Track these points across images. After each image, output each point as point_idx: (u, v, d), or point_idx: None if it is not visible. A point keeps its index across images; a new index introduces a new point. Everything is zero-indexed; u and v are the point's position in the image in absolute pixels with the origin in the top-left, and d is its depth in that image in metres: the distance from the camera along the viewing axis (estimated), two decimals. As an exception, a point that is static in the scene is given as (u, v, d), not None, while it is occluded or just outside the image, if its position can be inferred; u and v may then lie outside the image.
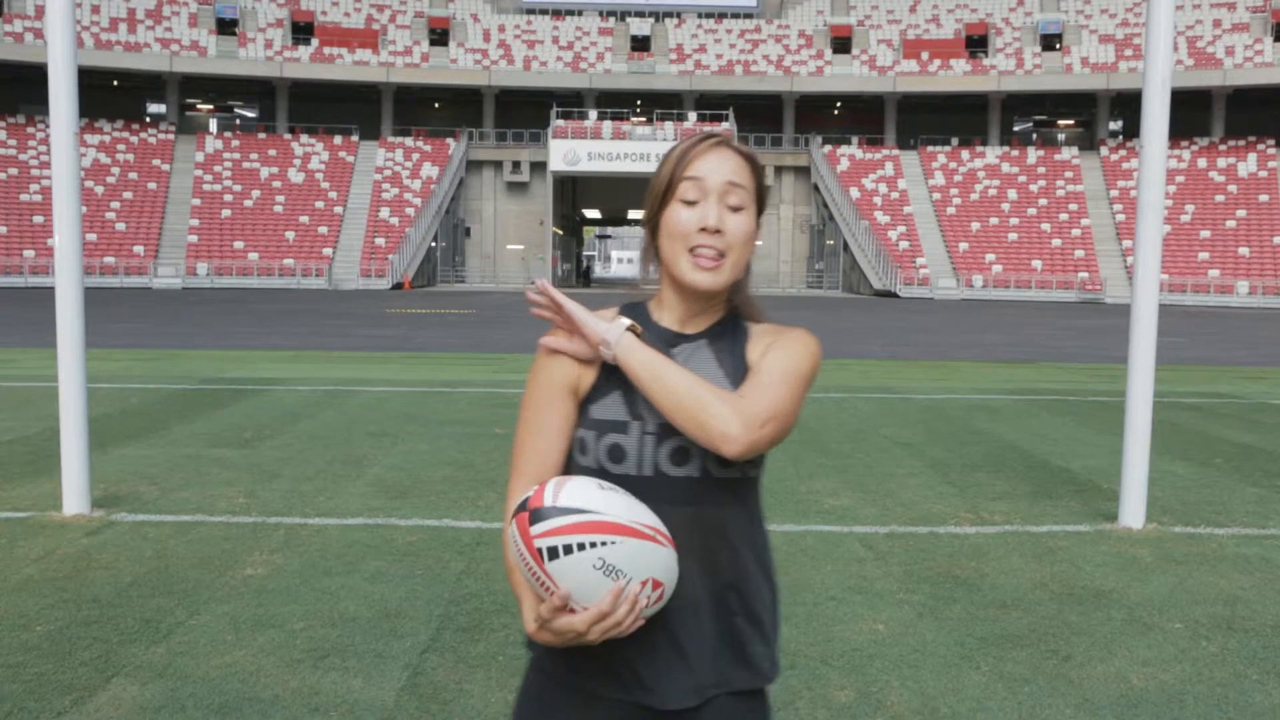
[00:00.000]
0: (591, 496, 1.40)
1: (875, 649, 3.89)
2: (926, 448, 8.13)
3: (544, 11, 58.23)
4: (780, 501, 6.20)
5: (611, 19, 57.79)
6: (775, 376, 1.54)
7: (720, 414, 1.46)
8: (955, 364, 15.50)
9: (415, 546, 5.12)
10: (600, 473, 1.53)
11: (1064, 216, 49.00)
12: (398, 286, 43.97)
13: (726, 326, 1.65)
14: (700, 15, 58.45)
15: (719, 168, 1.58)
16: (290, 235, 46.21)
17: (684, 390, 1.48)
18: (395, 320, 24.04)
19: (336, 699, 3.38)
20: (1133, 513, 5.78)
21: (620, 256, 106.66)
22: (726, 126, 49.66)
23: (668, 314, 1.64)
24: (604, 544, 1.36)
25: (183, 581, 4.53)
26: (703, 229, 1.55)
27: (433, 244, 48.84)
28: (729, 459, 1.48)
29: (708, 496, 1.54)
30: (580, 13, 58.35)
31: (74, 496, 5.63)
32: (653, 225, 1.62)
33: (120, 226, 44.93)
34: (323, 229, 46.85)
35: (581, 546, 1.36)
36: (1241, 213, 47.60)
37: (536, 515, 1.39)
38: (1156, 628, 4.18)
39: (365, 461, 7.19)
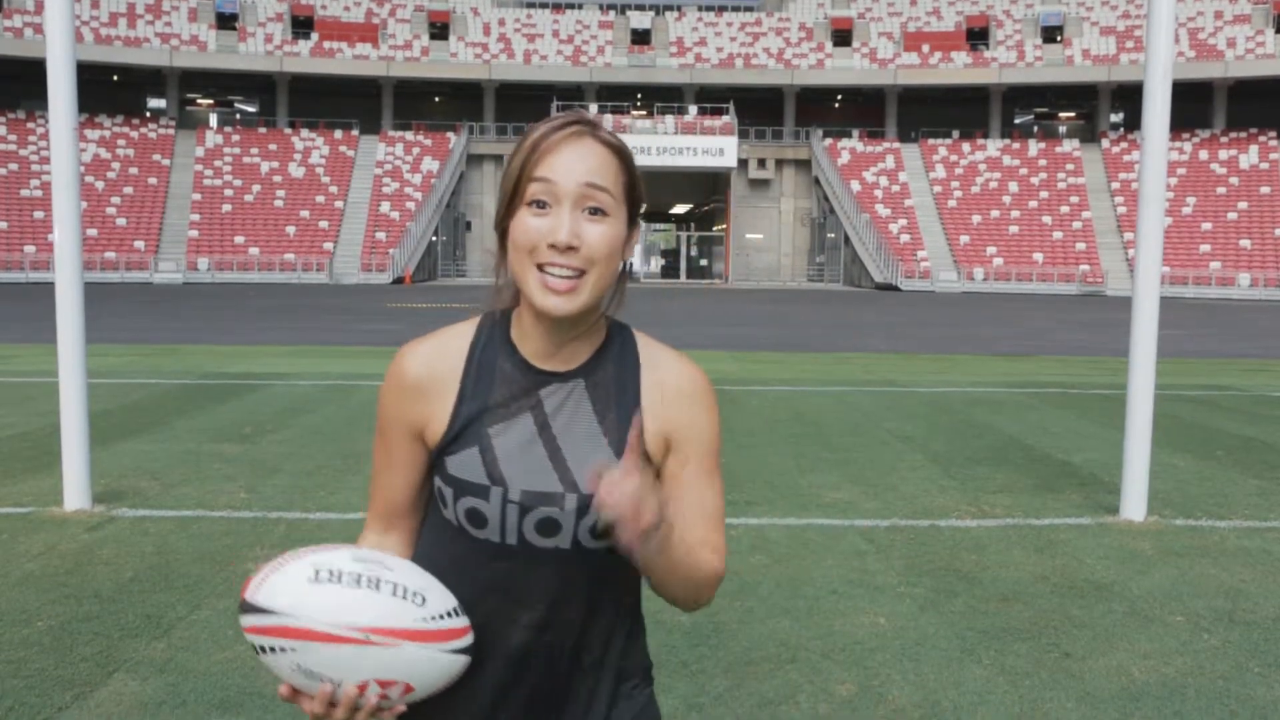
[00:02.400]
0: (289, 596, 1.23)
1: (876, 642, 3.89)
2: (928, 441, 8.13)
3: (544, 5, 58.15)
4: (781, 495, 6.20)
5: (612, 12, 57.69)
6: (719, 496, 1.39)
7: (707, 593, 1.37)
8: (956, 357, 15.49)
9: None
10: (460, 531, 1.36)
11: (1065, 209, 48.94)
12: (399, 281, 43.95)
13: (607, 354, 1.39)
14: (701, 8, 58.34)
15: (575, 165, 1.29)
16: (291, 230, 46.19)
17: (686, 574, 1.33)
18: (396, 315, 24.04)
19: (337, 694, 3.38)
20: (1134, 505, 5.78)
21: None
22: (727, 120, 49.67)
23: (530, 342, 1.37)
24: (294, 650, 1.23)
25: (184, 577, 4.53)
26: (551, 245, 1.27)
27: (434, 238, 48.81)
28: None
29: (579, 562, 1.35)
30: (580, 6, 58.26)
31: (75, 492, 5.63)
32: (502, 230, 1.34)
33: (121, 222, 44.92)
34: (323, 223, 46.82)
35: (272, 649, 1.24)
36: (1243, 205, 47.54)
37: (241, 606, 1.26)
38: (1158, 620, 4.18)
39: (365, 456, 7.18)
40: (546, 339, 1.36)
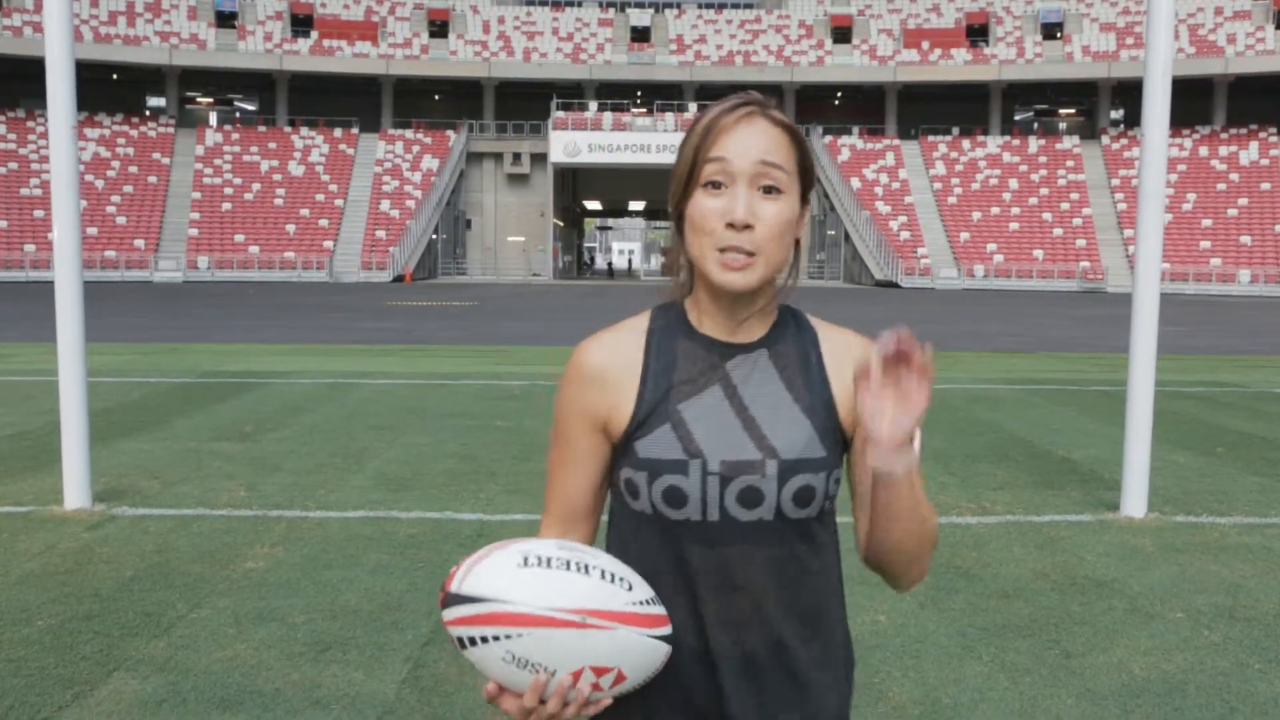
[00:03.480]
0: (501, 581, 1.21)
1: (877, 639, 3.89)
2: (928, 438, 8.12)
3: (544, 3, 58.13)
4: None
5: (611, 10, 57.67)
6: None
7: (927, 559, 1.39)
8: (957, 354, 15.48)
9: (416, 539, 5.12)
10: (656, 519, 1.33)
11: (1065, 206, 48.94)
12: (399, 279, 43.95)
13: (785, 329, 1.41)
14: (700, 6, 58.32)
15: (749, 144, 1.30)
16: (291, 228, 46.19)
17: (920, 528, 1.35)
18: (396, 313, 24.03)
19: (338, 692, 3.38)
20: (1134, 502, 5.77)
21: (621, 249, 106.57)
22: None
23: (709, 321, 1.38)
24: (508, 637, 1.20)
25: (184, 575, 4.53)
26: (729, 225, 1.29)
27: (433, 236, 48.81)
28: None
29: (782, 538, 1.33)
30: (580, 4, 58.24)
31: (75, 491, 5.63)
32: (678, 214, 1.36)
33: (121, 220, 44.92)
34: (323, 222, 46.83)
35: (485, 639, 1.21)
36: (1243, 201, 47.53)
37: (447, 600, 1.24)
38: (1158, 617, 4.17)
39: (366, 454, 7.18)
40: (726, 316, 1.36)
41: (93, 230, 42.72)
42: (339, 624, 3.97)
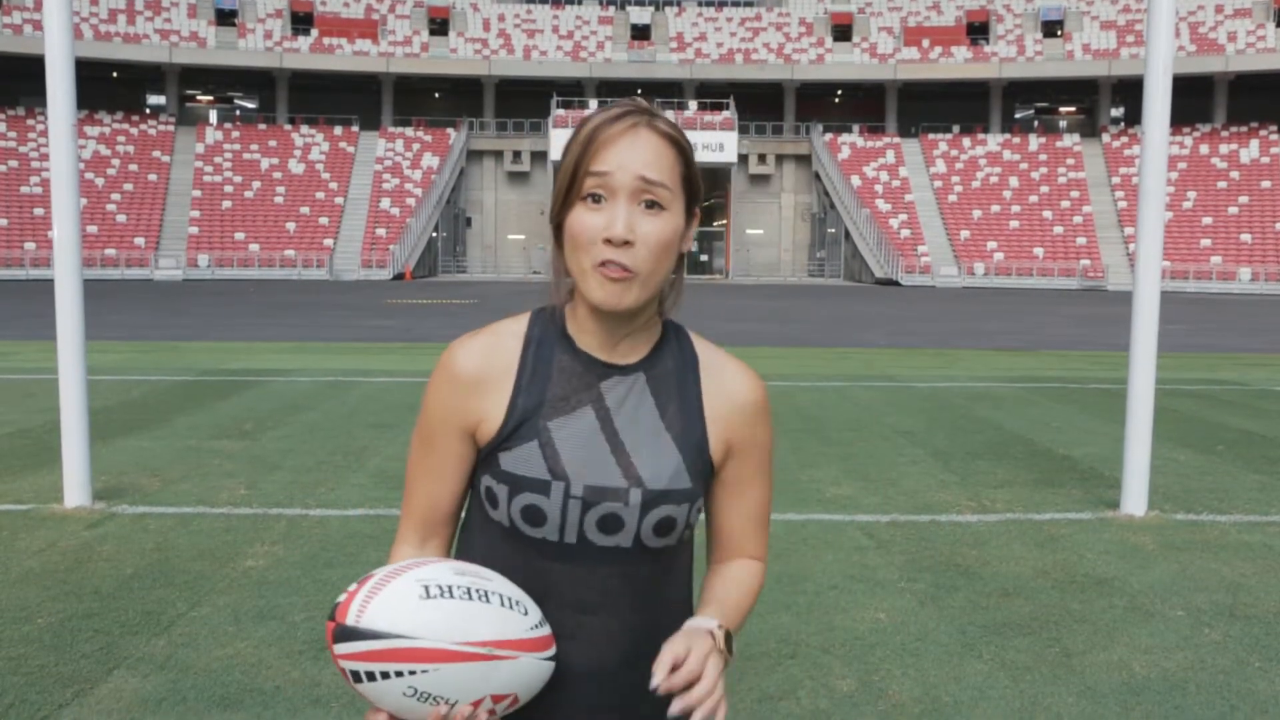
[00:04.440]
0: (404, 616, 1.17)
1: (877, 638, 3.89)
2: (928, 436, 8.12)
3: (544, 0, 58.06)
4: (781, 490, 6.19)
5: (611, 7, 57.62)
6: (769, 498, 1.44)
7: (758, 591, 1.43)
8: (957, 352, 15.48)
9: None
10: (512, 532, 1.32)
11: (1065, 204, 48.91)
12: (399, 277, 43.94)
13: (666, 350, 1.37)
14: (700, 3, 58.27)
15: (632, 159, 1.26)
16: (291, 226, 46.17)
17: (747, 609, 1.40)
18: (396, 311, 24.03)
19: (338, 690, 3.38)
20: (1135, 500, 5.77)
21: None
22: (727, 115, 49.62)
23: (587, 336, 1.34)
24: (413, 673, 1.16)
25: (184, 573, 4.53)
26: (607, 240, 1.25)
27: (434, 234, 48.79)
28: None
29: (637, 561, 1.33)
30: (580, 1, 58.19)
31: (75, 489, 5.63)
32: (557, 225, 1.32)
33: (121, 218, 44.90)
34: (323, 220, 46.81)
35: (386, 675, 1.16)
36: (1244, 199, 47.51)
37: (340, 633, 1.18)
38: (1158, 615, 4.17)
39: (366, 452, 7.19)
40: (605, 333, 1.33)
41: (93, 228, 42.70)
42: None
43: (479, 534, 1.37)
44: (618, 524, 1.30)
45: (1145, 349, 5.78)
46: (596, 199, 1.27)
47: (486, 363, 1.34)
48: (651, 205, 1.27)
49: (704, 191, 1.37)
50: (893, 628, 4.00)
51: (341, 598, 1.21)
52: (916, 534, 5.33)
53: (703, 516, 1.43)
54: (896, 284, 44.17)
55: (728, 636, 1.30)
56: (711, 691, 1.21)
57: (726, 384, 1.38)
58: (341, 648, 1.18)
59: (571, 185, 1.28)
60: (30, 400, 9.27)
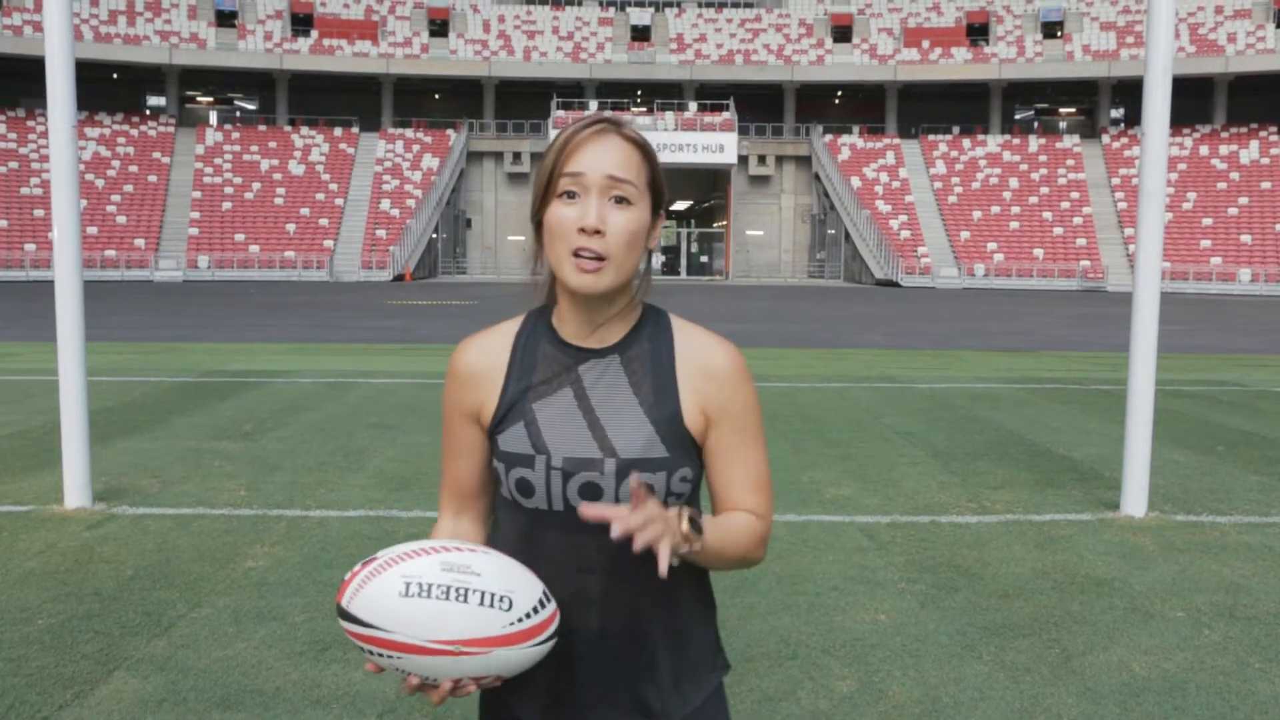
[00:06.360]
0: (381, 610, 1.33)
1: (877, 639, 3.89)
2: (928, 437, 8.12)
3: (544, 2, 58.07)
4: (781, 491, 6.19)
5: (611, 9, 57.63)
6: (761, 461, 1.51)
7: (757, 555, 1.50)
8: (957, 353, 15.48)
9: (417, 538, 5.10)
10: (514, 506, 1.49)
11: (1065, 205, 48.92)
12: (399, 278, 43.94)
13: (643, 332, 1.51)
14: (700, 4, 58.27)
15: (602, 159, 1.42)
16: (291, 227, 46.17)
17: (732, 555, 1.47)
18: (397, 312, 24.03)
19: (338, 691, 3.38)
20: (1134, 501, 5.77)
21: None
22: (727, 116, 49.63)
23: (568, 326, 1.50)
24: (392, 657, 1.33)
25: (184, 574, 4.53)
26: (581, 229, 1.41)
27: (434, 235, 48.79)
28: None
29: None
30: (580, 2, 58.19)
31: (75, 490, 5.63)
32: (537, 223, 1.48)
33: (121, 220, 44.90)
34: (324, 221, 46.81)
35: (373, 654, 1.35)
36: (1243, 200, 47.51)
37: (339, 610, 1.37)
38: (1159, 616, 4.17)
39: (366, 453, 7.19)
40: (583, 320, 1.49)
41: (93, 229, 42.71)
42: (339, 623, 3.96)
43: (502, 511, 1.55)
44: (596, 492, 1.44)
45: (1145, 350, 5.78)
46: (571, 195, 1.43)
47: (484, 358, 1.53)
48: (620, 200, 1.43)
49: (666, 192, 1.51)
50: (893, 629, 4.00)
51: (346, 576, 1.39)
52: (916, 535, 5.33)
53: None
54: (896, 285, 44.17)
55: (693, 522, 1.38)
56: (654, 520, 1.30)
57: (699, 355, 1.50)
58: (342, 623, 1.37)
59: (549, 185, 1.45)
60: (30, 401, 9.27)
